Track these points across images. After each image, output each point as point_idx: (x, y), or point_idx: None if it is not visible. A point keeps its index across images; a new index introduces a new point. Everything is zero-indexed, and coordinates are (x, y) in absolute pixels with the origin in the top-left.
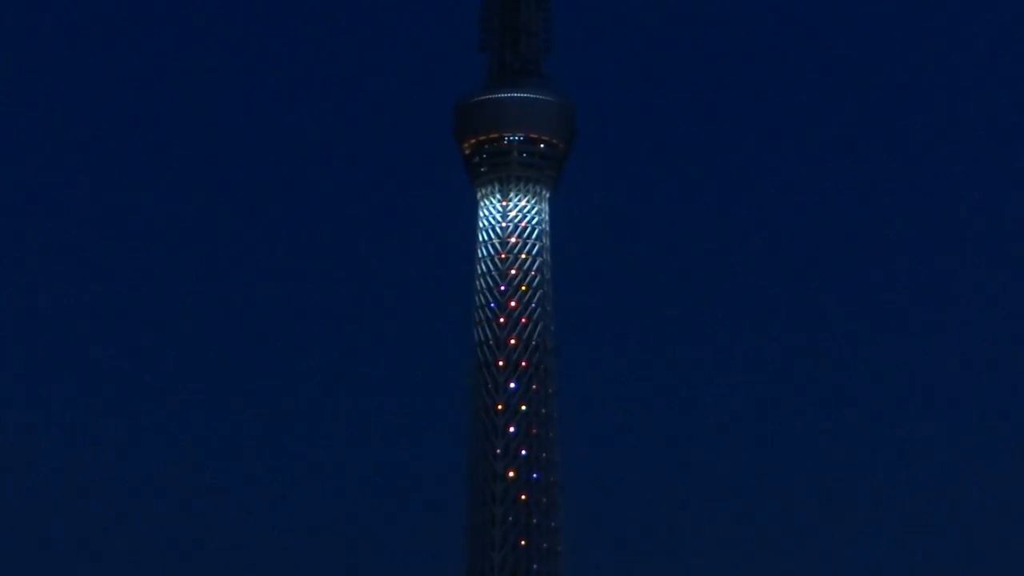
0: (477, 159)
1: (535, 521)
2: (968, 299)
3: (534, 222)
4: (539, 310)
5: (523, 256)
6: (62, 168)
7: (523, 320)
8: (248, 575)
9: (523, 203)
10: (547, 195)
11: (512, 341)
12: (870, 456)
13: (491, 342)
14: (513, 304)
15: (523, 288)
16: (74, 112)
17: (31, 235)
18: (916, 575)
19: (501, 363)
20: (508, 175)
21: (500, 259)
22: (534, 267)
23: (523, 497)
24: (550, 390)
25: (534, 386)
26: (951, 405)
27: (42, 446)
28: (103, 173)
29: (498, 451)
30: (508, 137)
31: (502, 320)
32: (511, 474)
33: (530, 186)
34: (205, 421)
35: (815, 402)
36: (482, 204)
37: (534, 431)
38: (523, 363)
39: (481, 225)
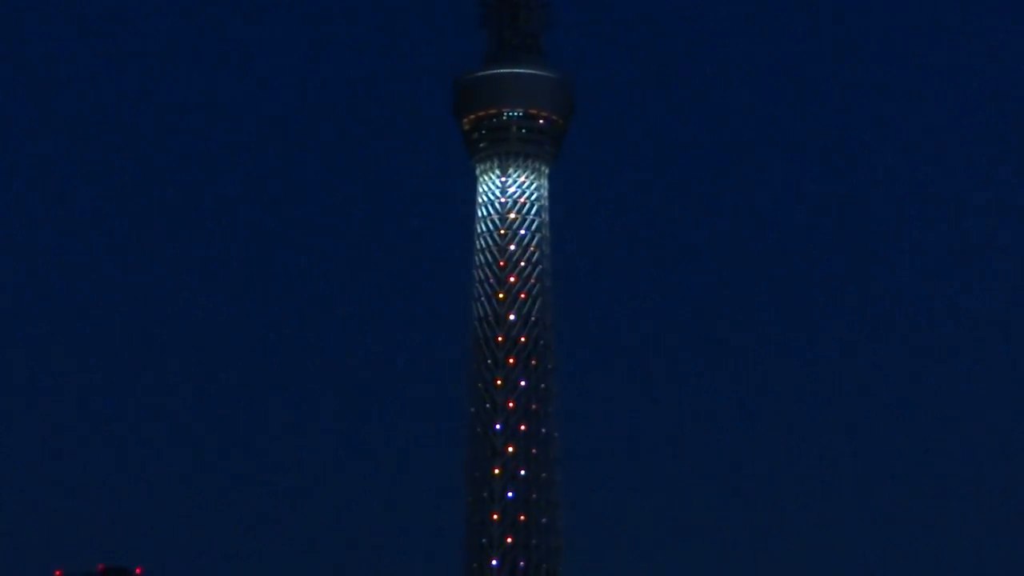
0: (476, 135)
1: (534, 496)
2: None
3: (533, 198)
4: (538, 285)
5: (522, 232)
6: (55, 165)
7: (522, 295)
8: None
9: (522, 179)
10: (546, 171)
11: (511, 316)
12: (861, 443)
13: (490, 318)
14: (512, 279)
15: (522, 264)
16: (70, 107)
17: (32, 236)
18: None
19: (500, 338)
20: (507, 151)
21: (499, 235)
22: (533, 243)
23: (522, 472)
24: (549, 365)
25: (533, 361)
26: (950, 408)
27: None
28: (89, 164)
29: (497, 426)
30: (507, 113)
31: (501, 296)
32: (510, 449)
33: (529, 162)
34: (204, 406)
35: (810, 380)
36: (481, 180)
37: (533, 407)
38: (522, 339)
39: (480, 201)
